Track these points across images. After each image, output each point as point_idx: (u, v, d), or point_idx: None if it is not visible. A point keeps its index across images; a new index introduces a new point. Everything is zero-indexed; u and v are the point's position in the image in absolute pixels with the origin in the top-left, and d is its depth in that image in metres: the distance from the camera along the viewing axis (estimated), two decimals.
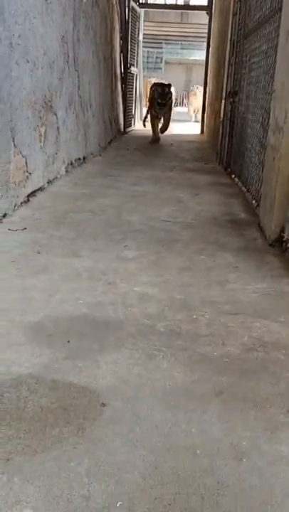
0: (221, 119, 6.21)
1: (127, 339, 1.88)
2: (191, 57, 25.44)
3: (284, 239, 2.93)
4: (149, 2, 12.96)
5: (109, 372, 1.66)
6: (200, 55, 20.54)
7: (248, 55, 4.75)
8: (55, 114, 4.38)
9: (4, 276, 2.38)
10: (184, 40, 24.12)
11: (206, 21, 11.53)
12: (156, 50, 25.35)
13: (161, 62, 26.28)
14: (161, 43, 24.98)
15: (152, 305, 2.18)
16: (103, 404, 1.50)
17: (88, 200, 4.03)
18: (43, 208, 3.65)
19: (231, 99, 5.61)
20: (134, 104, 10.94)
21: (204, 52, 10.93)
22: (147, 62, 23.73)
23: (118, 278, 2.46)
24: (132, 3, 9.06)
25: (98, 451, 1.31)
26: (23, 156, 3.54)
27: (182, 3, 17.79)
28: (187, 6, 16.43)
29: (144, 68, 16.01)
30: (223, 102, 6.22)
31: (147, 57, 23.82)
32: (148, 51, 23.40)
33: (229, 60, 5.71)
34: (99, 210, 3.71)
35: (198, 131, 10.83)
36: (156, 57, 26.08)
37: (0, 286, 2.27)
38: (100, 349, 1.81)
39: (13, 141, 3.31)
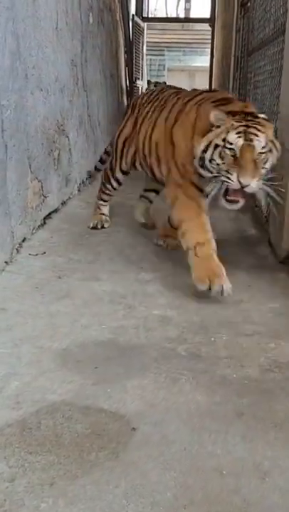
0: None
1: (150, 363, 2.01)
2: (194, 64, 25.62)
3: None
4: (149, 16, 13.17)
5: (136, 397, 1.78)
6: (202, 62, 20.71)
7: (252, 72, 4.87)
8: (67, 137, 4.52)
9: (31, 303, 2.52)
10: (186, 47, 24.36)
11: (208, 27, 11.70)
12: (158, 57, 25.57)
13: (164, 69, 26.45)
14: (164, 50, 25.21)
15: (172, 328, 2.31)
16: (133, 429, 1.62)
17: None
18: (59, 230, 3.78)
19: None
20: None
21: (206, 58, 11.05)
22: (150, 70, 23.88)
23: (137, 301, 2.59)
24: (136, 18, 9.24)
25: (133, 473, 1.43)
26: (39, 181, 3.69)
27: (183, 12, 18.04)
28: (190, 19, 16.83)
29: (147, 76, 16.17)
30: None
31: (150, 65, 23.97)
32: (150, 59, 23.57)
33: (234, 75, 5.84)
34: (113, 231, 3.83)
35: None
36: (159, 65, 26.27)
37: (28, 312, 2.41)
38: (126, 374, 1.93)
39: (30, 168, 3.45)
